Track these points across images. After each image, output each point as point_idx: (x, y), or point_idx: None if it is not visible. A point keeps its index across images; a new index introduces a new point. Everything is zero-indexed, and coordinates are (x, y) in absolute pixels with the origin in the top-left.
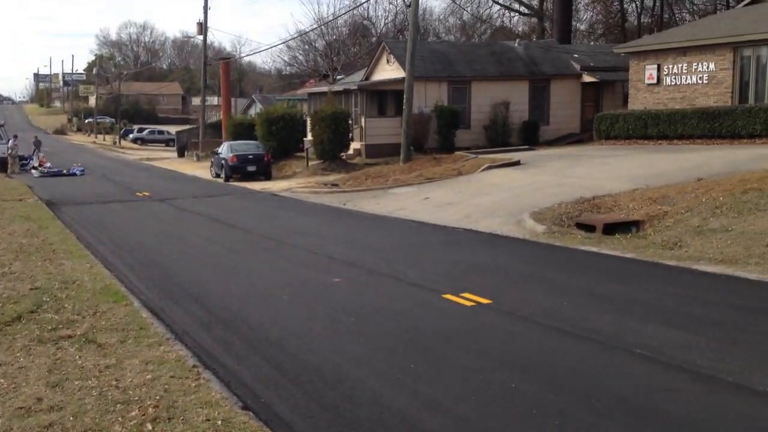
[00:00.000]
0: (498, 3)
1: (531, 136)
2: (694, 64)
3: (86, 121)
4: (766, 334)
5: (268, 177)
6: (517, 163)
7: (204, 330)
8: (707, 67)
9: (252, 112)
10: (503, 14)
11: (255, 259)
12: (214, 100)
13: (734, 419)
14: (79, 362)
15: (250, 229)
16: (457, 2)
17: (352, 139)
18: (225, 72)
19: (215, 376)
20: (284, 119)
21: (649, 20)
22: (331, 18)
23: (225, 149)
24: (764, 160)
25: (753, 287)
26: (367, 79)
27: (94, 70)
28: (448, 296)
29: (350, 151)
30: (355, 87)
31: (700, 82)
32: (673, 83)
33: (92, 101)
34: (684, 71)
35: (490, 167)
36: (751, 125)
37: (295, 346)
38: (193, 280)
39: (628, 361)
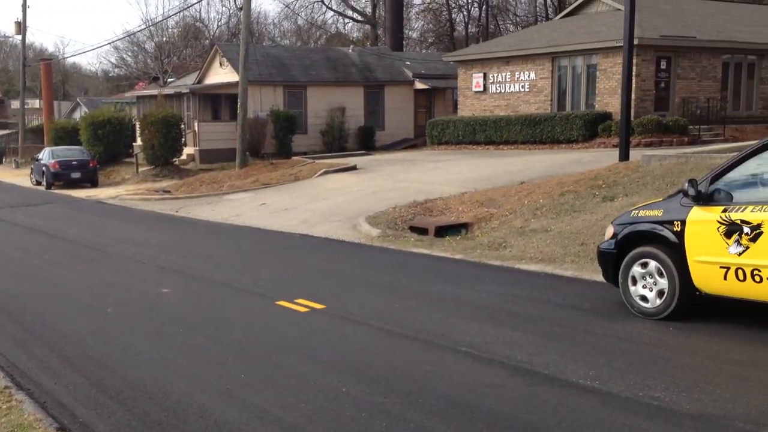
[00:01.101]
0: (332, 9)
1: (367, 141)
2: (517, 72)
3: None
4: (578, 328)
5: (94, 184)
6: (353, 168)
7: (19, 348)
8: (528, 76)
9: (77, 115)
10: (337, 20)
11: (78, 271)
12: (35, 103)
13: (552, 409)
14: None
15: (74, 239)
16: (291, 7)
17: (185, 144)
18: (46, 73)
19: (29, 397)
20: (111, 123)
21: (476, 30)
22: (160, 18)
23: (46, 155)
24: (580, 164)
25: (569, 284)
26: (200, 82)
27: None
28: (282, 303)
29: (183, 157)
30: (188, 90)
31: (522, 90)
32: (498, 91)
33: None
34: (508, 79)
35: (326, 172)
36: (568, 131)
37: (118, 361)
38: (8, 295)
39: (454, 359)
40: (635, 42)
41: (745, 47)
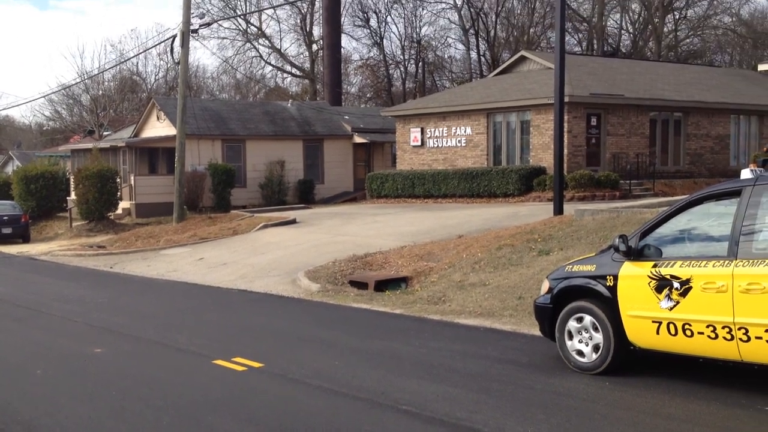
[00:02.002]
0: (270, 64)
1: (307, 194)
2: (454, 127)
3: None
4: (517, 383)
5: (26, 240)
6: (293, 222)
7: None
8: (465, 131)
9: (9, 169)
10: (276, 75)
11: (5, 330)
12: None
13: None
14: None
15: (2, 297)
16: (230, 62)
17: (121, 198)
18: None
19: None
20: (45, 177)
21: (413, 85)
22: (96, 72)
23: None
24: (516, 218)
25: (507, 338)
26: (136, 135)
27: None
28: (219, 362)
29: (119, 211)
30: (124, 144)
31: (459, 144)
32: (435, 145)
33: None
34: (445, 134)
35: (266, 226)
36: (504, 185)
37: (47, 426)
38: None
39: (395, 418)
40: (566, 99)
41: (671, 104)
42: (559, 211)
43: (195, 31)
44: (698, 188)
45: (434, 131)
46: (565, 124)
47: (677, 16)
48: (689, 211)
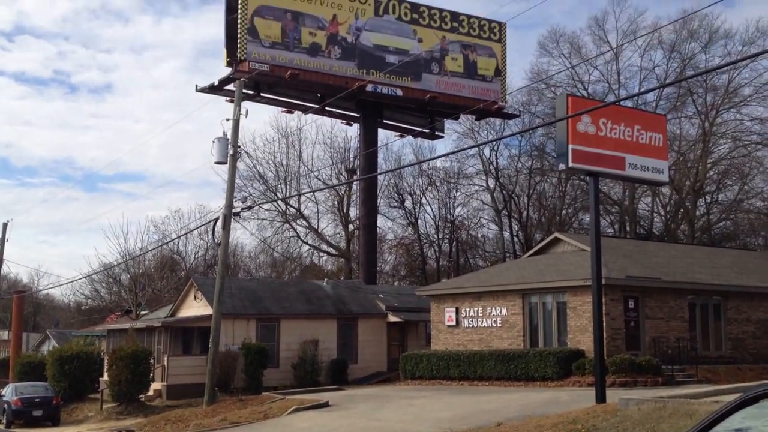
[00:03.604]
0: (307, 244)
1: (340, 374)
2: (489, 308)
3: None
4: None
5: (55, 422)
6: (325, 405)
7: None
8: (500, 312)
9: (45, 348)
10: (312, 253)
11: None
12: (4, 334)
13: None
14: None
15: None
16: (268, 243)
17: (153, 380)
18: (18, 307)
19: None
20: (79, 357)
21: (447, 263)
22: (139, 253)
23: (9, 391)
24: (556, 404)
25: None
26: (173, 315)
27: None
28: None
29: (150, 392)
30: (159, 324)
31: (494, 325)
32: (470, 325)
33: None
34: (480, 314)
35: (297, 409)
36: (542, 368)
37: None
38: None
39: None
40: (603, 282)
41: (709, 288)
42: (601, 399)
43: (236, 214)
44: (743, 375)
45: (469, 311)
46: (603, 307)
47: (709, 200)
48: (744, 411)
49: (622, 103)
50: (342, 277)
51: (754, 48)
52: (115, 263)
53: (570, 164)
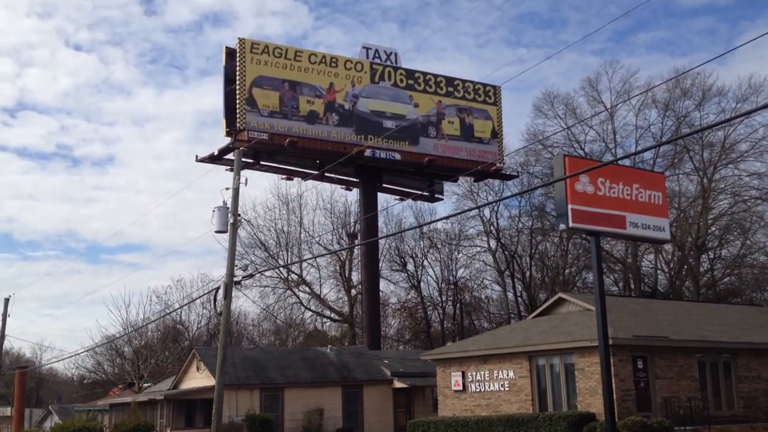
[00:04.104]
0: (310, 310)
1: None
2: (496, 371)
3: None
4: None
5: None
6: None
7: None
8: (507, 375)
9: (47, 424)
10: (315, 319)
11: None
12: (6, 410)
13: None
14: None
15: None
16: (270, 310)
17: None
18: (21, 382)
19: None
20: None
21: (451, 325)
22: (141, 324)
23: None
24: None
25: None
26: (175, 386)
27: None
28: None
29: None
30: (161, 397)
31: (502, 389)
32: (478, 390)
33: None
34: (487, 378)
35: None
36: None
37: None
38: None
39: None
40: (610, 342)
41: (718, 346)
42: None
43: (238, 282)
44: None
45: (476, 375)
46: (612, 368)
47: (712, 256)
48: None
49: (619, 162)
50: (346, 343)
51: (747, 104)
52: (118, 335)
53: (570, 224)
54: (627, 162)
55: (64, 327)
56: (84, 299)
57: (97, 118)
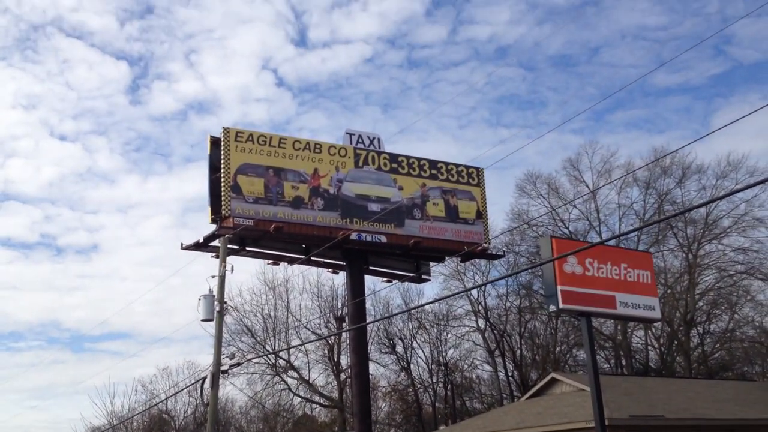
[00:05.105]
0: (299, 396)
1: None
2: None
3: None
4: None
5: None
6: None
7: None
8: None
9: None
10: (304, 405)
11: None
12: None
13: None
14: None
15: None
16: (258, 398)
17: None
18: None
19: None
20: None
21: (443, 407)
22: (127, 416)
23: None
24: None
25: None
26: None
27: None
28: None
29: None
30: None
31: None
32: None
33: None
34: None
35: None
36: None
37: None
38: None
39: None
40: (606, 423)
41: (714, 423)
42: None
43: (225, 371)
44: None
45: None
46: None
47: (701, 331)
48: None
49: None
50: (336, 429)
51: (728, 181)
52: (102, 429)
53: (561, 305)
54: (612, 241)
55: (48, 419)
56: (68, 390)
57: (80, 206)
